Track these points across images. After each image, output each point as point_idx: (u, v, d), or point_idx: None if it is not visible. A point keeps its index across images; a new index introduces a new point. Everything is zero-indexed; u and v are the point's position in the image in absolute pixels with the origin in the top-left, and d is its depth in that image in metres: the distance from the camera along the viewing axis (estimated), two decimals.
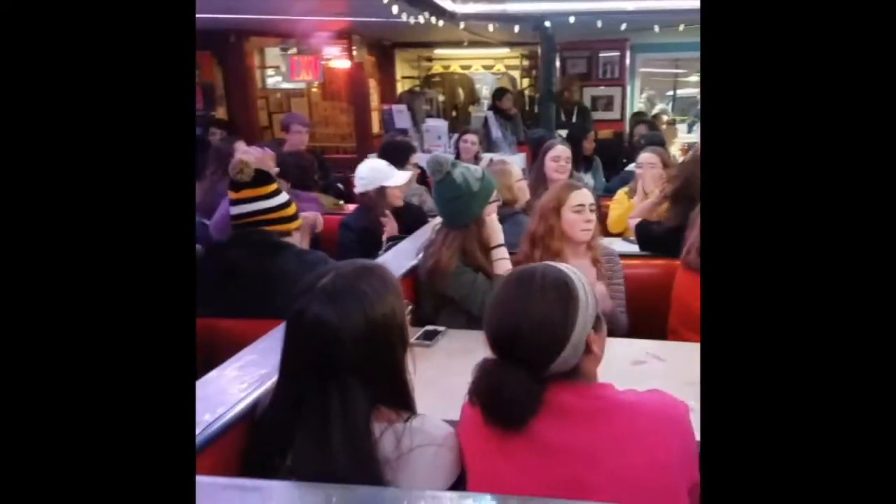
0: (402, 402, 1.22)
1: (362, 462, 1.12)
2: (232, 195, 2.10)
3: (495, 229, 2.16)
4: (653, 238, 2.67)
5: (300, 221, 2.12)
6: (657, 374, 1.75)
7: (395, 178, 3.00)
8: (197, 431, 1.17)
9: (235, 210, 2.08)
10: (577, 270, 1.23)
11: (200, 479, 1.04)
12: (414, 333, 1.96)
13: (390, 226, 2.94)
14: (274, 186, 2.07)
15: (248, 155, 2.13)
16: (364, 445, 1.13)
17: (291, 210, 2.09)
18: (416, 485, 1.13)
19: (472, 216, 2.14)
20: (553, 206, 2.23)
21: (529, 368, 1.15)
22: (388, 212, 2.98)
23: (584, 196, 2.23)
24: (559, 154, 3.31)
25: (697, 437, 1.13)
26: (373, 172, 3.02)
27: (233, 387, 1.34)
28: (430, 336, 2.02)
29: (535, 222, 2.29)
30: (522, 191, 2.92)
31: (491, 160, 3.02)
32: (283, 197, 2.07)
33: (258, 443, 1.22)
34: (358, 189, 3.06)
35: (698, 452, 1.07)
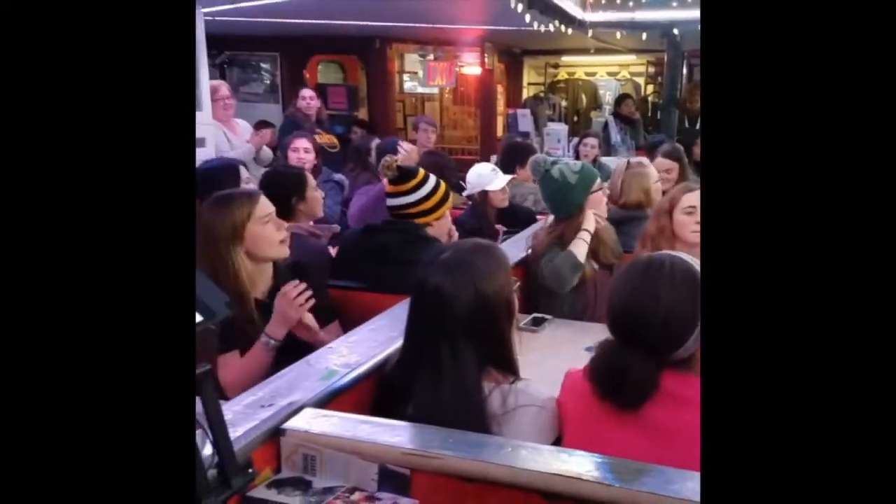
0: (509, 366, 1.38)
1: (472, 414, 1.28)
2: (386, 189, 2.38)
3: (588, 217, 2.31)
4: None
5: (439, 213, 2.31)
6: None
7: (495, 183, 3.23)
8: (333, 380, 1.37)
9: (387, 202, 2.36)
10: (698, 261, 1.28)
11: (341, 415, 1.25)
12: (522, 319, 2.11)
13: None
14: (412, 183, 2.27)
15: (392, 155, 2.38)
16: (474, 399, 1.30)
17: (430, 203, 2.28)
18: (518, 439, 1.25)
19: (572, 207, 2.32)
20: (666, 208, 2.28)
21: (652, 354, 1.21)
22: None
23: (697, 198, 2.23)
24: (658, 168, 3.29)
25: None
26: (477, 178, 3.27)
27: (365, 345, 1.56)
28: (537, 322, 2.17)
29: (650, 222, 2.37)
30: (659, 193, 2.94)
31: (631, 163, 3.08)
32: (423, 192, 2.27)
33: (386, 392, 1.41)
34: (465, 193, 3.35)
35: None
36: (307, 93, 4.95)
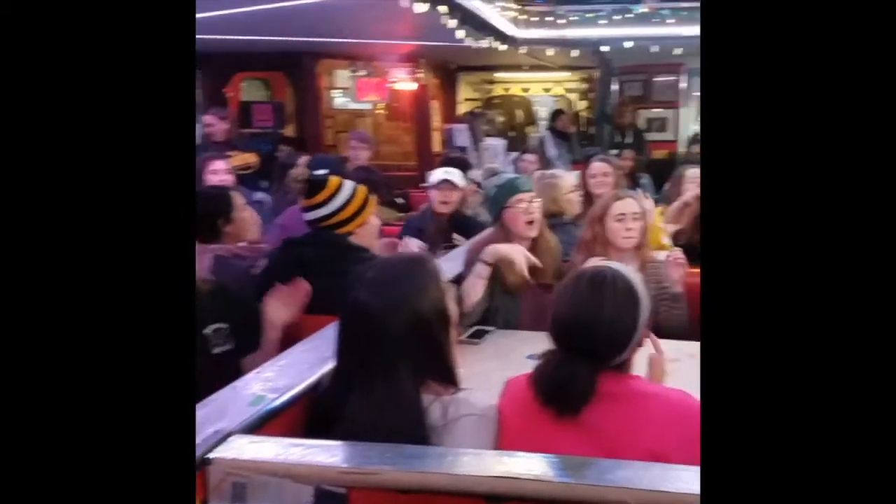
0: (448, 377, 1.34)
1: (412, 428, 1.25)
2: (301, 204, 2.33)
3: (491, 249, 2.18)
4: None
5: (361, 220, 2.26)
6: (689, 371, 1.83)
7: (432, 178, 3.32)
8: (262, 405, 1.31)
9: (304, 216, 2.30)
10: (635, 271, 1.37)
11: (271, 439, 1.19)
12: (465, 332, 2.09)
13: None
14: (325, 194, 2.22)
15: (297, 169, 2.32)
16: (412, 413, 1.26)
17: (348, 212, 2.23)
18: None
19: (492, 217, 2.39)
20: (598, 215, 2.37)
21: (594, 362, 1.28)
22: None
23: (627, 205, 2.33)
24: (595, 171, 3.47)
25: None
26: (430, 177, 3.36)
27: (295, 367, 1.50)
28: (479, 335, 2.15)
29: (584, 230, 2.45)
30: (571, 203, 3.10)
31: (542, 174, 3.25)
32: (339, 201, 2.22)
33: (320, 414, 1.36)
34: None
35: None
36: (208, 119, 4.64)
